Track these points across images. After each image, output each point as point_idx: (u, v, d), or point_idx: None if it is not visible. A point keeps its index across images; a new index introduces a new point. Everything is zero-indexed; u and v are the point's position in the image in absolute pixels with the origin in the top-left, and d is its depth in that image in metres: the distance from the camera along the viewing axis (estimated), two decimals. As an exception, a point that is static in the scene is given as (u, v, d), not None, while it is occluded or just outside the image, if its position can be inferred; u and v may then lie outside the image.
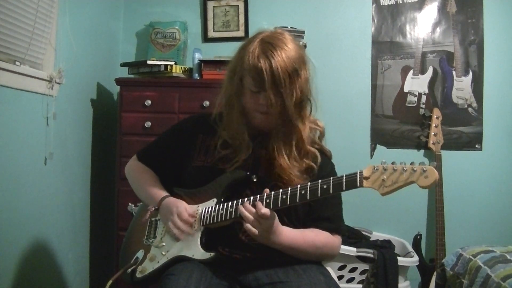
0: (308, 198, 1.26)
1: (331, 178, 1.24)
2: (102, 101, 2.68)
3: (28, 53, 1.91)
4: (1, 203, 1.74)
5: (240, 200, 1.34)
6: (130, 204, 2.41)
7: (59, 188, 2.19)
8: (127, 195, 2.37)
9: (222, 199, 1.40)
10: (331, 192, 1.24)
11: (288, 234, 1.35)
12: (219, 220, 1.36)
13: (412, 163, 1.16)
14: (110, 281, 1.44)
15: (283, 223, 1.38)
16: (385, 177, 1.16)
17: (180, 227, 1.38)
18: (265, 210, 1.26)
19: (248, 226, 1.27)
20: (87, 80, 2.51)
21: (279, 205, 1.29)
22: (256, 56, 1.33)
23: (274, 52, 1.32)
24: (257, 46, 1.35)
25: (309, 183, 1.27)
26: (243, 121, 1.43)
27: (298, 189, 1.27)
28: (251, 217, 1.28)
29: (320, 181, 1.26)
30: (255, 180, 1.40)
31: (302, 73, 1.36)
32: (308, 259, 1.40)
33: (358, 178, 1.19)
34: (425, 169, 1.13)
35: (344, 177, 1.23)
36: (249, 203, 1.30)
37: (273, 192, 1.30)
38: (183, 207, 1.41)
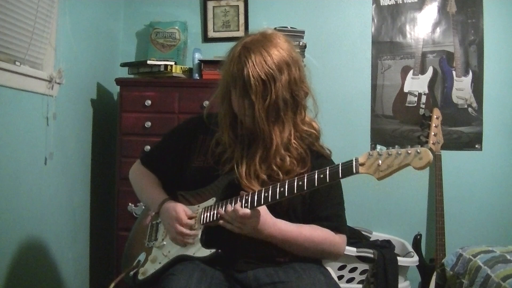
0: (305, 188, 1.25)
1: (328, 167, 1.24)
2: (102, 101, 2.68)
3: (28, 53, 1.91)
4: (1, 203, 1.74)
5: (239, 197, 1.33)
6: (130, 204, 2.41)
7: (59, 188, 2.19)
8: (127, 195, 2.37)
9: (222, 198, 1.39)
10: (328, 181, 1.23)
11: (282, 227, 1.34)
12: (218, 218, 1.35)
13: (406, 147, 1.16)
14: (113, 284, 1.44)
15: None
16: (380, 162, 1.16)
17: (182, 232, 1.38)
18: (243, 212, 1.26)
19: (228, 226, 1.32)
20: (87, 80, 2.51)
21: (277, 197, 1.28)
22: (234, 62, 1.34)
23: (248, 58, 1.31)
24: (237, 51, 1.35)
25: (306, 174, 1.27)
26: (228, 122, 1.43)
27: (296, 180, 1.27)
28: (229, 220, 1.30)
29: (317, 171, 1.25)
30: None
31: (282, 77, 1.33)
32: (308, 255, 1.39)
33: (354, 165, 1.19)
34: (419, 151, 1.12)
35: (340, 165, 1.23)
36: (243, 203, 1.30)
37: (271, 186, 1.30)
38: (182, 211, 1.41)
